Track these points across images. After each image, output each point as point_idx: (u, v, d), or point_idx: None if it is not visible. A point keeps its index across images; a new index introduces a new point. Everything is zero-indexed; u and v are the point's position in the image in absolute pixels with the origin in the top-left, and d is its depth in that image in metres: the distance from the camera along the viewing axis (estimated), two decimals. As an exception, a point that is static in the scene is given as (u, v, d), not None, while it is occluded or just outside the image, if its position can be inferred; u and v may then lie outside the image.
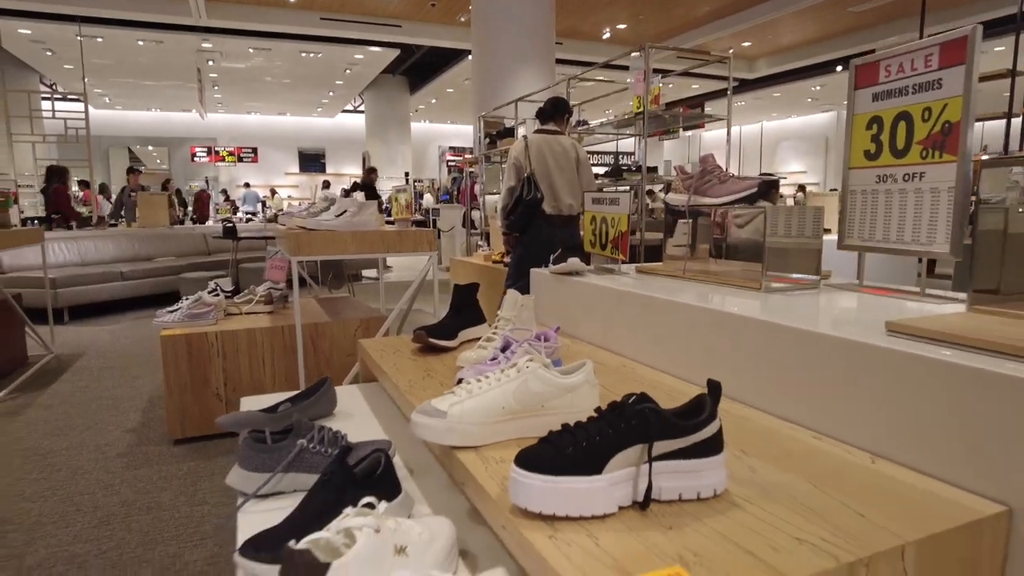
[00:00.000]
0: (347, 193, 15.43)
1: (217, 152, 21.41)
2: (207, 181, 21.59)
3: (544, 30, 9.12)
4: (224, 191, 20.86)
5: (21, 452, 2.92)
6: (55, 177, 7.97)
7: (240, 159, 21.75)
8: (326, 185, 17.58)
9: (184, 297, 3.27)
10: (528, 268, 3.96)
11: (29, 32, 11.95)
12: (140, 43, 12.85)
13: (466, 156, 17.97)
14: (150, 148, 22.53)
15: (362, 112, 22.23)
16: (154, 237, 7.46)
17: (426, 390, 1.33)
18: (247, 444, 1.11)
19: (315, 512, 0.88)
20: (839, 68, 14.53)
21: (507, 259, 5.52)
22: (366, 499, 0.80)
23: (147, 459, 2.82)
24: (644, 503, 0.78)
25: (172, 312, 3.10)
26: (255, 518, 1.07)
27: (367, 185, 8.49)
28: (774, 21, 11.80)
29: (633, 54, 4.09)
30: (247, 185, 20.54)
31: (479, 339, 1.78)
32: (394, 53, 14.25)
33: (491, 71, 9.09)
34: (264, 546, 0.86)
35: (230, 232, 5.56)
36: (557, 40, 9.33)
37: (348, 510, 0.79)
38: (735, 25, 12.05)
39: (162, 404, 3.59)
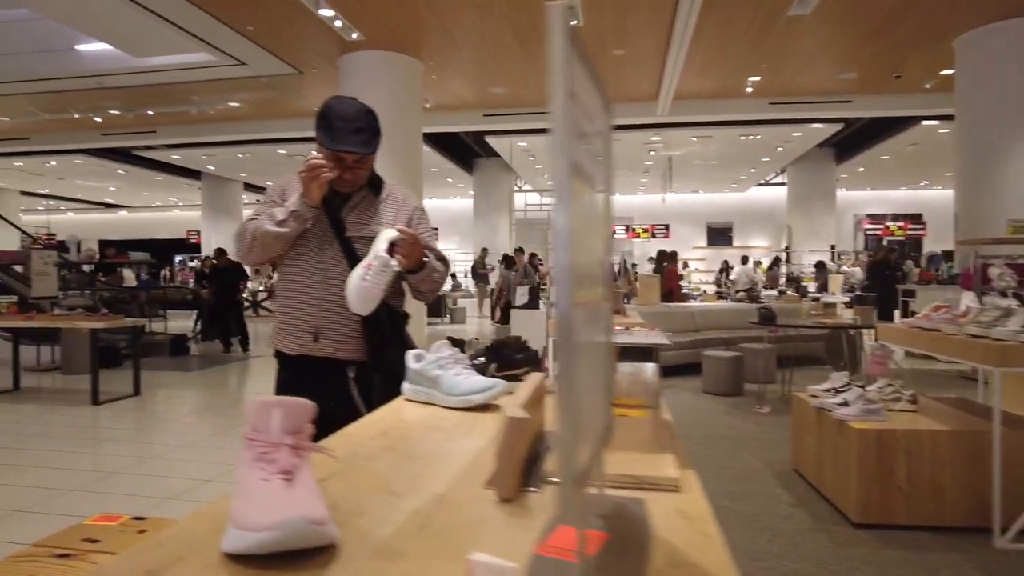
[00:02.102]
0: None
1: (633, 229, 23.56)
2: (621, 255, 23.79)
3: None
4: (634, 265, 22.66)
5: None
6: (667, 258, 10.71)
7: (653, 235, 23.55)
8: (744, 260, 17.75)
9: (838, 386, 3.64)
10: None
11: (525, 144, 15.05)
12: (602, 143, 15.06)
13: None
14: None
15: (773, 184, 22.23)
16: (655, 314, 8.51)
17: None
18: None
19: None
20: None
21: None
22: None
23: (841, 539, 3.18)
24: None
25: (843, 406, 3.49)
26: None
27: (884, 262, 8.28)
28: None
29: None
30: (651, 259, 22.09)
31: None
32: (835, 128, 14.03)
33: (977, 132, 8.39)
34: None
35: (768, 319, 6.04)
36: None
37: None
38: None
39: (780, 480, 4.03)
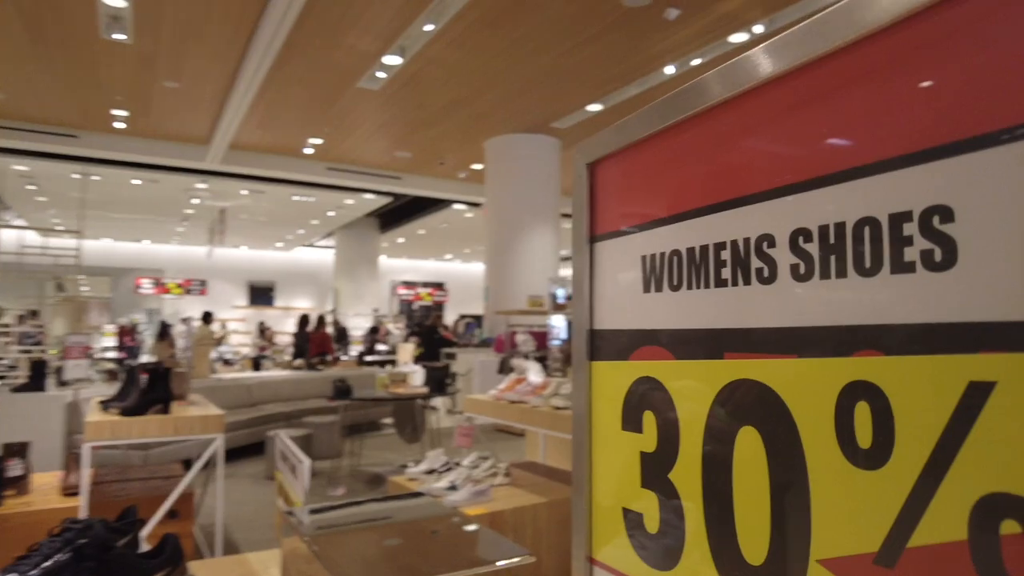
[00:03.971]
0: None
1: (164, 284, 20.80)
2: (148, 313, 20.80)
3: (551, 187, 10.20)
4: (166, 324, 20.10)
5: None
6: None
7: (188, 291, 21.20)
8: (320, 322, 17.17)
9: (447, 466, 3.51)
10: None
11: (25, 168, 11.78)
12: (135, 182, 12.89)
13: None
14: (81, 277, 21.60)
15: (318, 247, 22.61)
16: (204, 388, 7.35)
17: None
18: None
19: None
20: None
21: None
22: None
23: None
24: None
25: (451, 490, 3.34)
26: None
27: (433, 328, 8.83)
28: None
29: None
30: (185, 321, 19.89)
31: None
32: (386, 200, 14.99)
33: (502, 220, 10.09)
34: None
35: (344, 393, 5.66)
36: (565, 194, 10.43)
37: None
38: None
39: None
